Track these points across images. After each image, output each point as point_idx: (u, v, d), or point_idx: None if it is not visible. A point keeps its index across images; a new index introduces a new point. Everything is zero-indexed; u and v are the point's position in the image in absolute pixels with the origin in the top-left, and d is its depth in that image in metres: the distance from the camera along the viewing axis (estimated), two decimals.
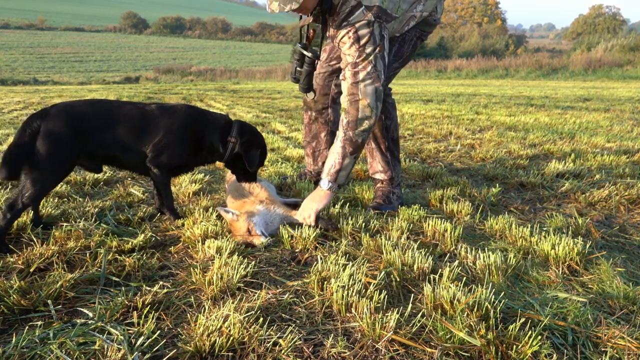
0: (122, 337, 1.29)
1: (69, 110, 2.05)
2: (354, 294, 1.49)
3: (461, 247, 1.95)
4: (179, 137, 2.25)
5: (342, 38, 2.13)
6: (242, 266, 1.70)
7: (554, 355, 1.23)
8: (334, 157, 2.22)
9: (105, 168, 2.60)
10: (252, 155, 2.36)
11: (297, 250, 1.97)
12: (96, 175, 3.16)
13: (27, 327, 1.37)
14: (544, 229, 2.18)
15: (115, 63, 50.97)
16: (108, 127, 2.12)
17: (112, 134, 2.12)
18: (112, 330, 1.33)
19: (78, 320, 1.40)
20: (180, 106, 2.33)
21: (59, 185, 2.88)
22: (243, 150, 2.34)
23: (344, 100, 2.17)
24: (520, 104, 9.10)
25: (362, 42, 2.08)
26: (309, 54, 2.33)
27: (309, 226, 2.10)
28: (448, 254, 1.91)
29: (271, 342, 1.28)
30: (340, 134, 2.20)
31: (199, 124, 2.33)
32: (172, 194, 2.39)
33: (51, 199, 2.58)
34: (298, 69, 2.45)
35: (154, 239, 2.07)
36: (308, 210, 2.19)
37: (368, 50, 2.09)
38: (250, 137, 2.37)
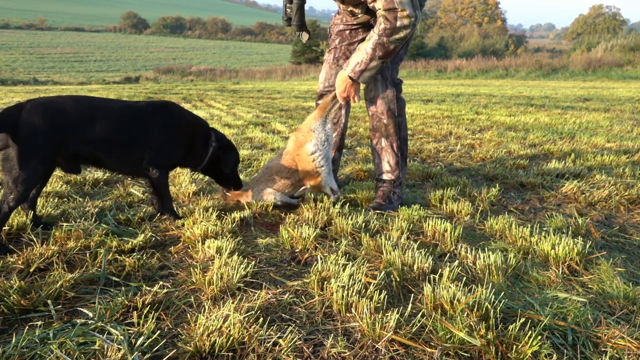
0: (122, 337, 1.29)
1: (47, 104, 1.95)
2: (354, 294, 1.49)
3: (461, 247, 1.95)
4: (176, 134, 2.24)
5: None
6: (242, 266, 1.70)
7: (554, 355, 1.23)
8: (361, 55, 2.17)
9: None
10: (229, 157, 2.47)
11: (297, 250, 1.97)
12: (96, 175, 3.16)
13: (27, 327, 1.37)
14: (544, 229, 2.18)
15: (115, 63, 50.98)
16: (90, 124, 2.02)
17: (95, 132, 2.02)
18: (112, 330, 1.33)
19: (78, 320, 1.40)
20: (172, 104, 2.33)
21: (59, 185, 2.89)
22: (222, 153, 2.44)
23: (380, 13, 2.10)
24: (520, 104, 9.10)
25: None
26: None
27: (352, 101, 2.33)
28: (448, 254, 1.91)
29: (271, 342, 1.28)
30: (374, 36, 2.14)
31: (192, 124, 2.36)
32: (171, 194, 2.39)
33: (51, 199, 2.58)
34: (288, 5, 2.37)
35: (154, 239, 2.07)
36: (345, 86, 2.24)
37: None
38: (226, 142, 2.49)
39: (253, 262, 1.78)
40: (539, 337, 1.24)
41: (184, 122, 2.30)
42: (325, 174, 2.44)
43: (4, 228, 1.99)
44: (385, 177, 2.60)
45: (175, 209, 2.38)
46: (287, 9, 2.40)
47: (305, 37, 2.49)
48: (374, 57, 2.15)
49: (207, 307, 1.46)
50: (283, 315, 1.45)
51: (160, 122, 2.19)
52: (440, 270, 1.68)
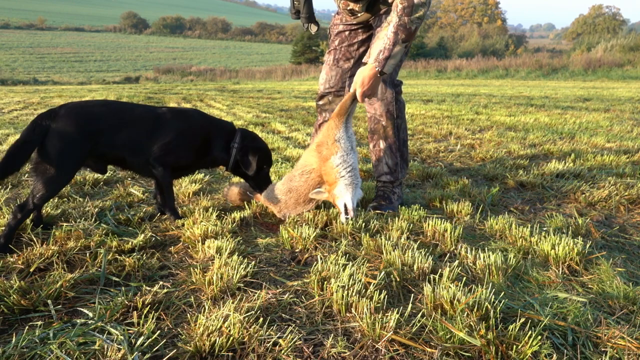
0: (122, 337, 1.29)
1: (79, 110, 2.05)
2: (354, 294, 1.49)
3: (461, 247, 1.95)
4: (187, 140, 2.30)
5: None
6: (242, 266, 1.70)
7: (554, 355, 1.23)
8: (383, 42, 2.10)
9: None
10: (247, 159, 2.42)
11: (297, 250, 1.97)
12: (96, 175, 3.16)
13: (27, 327, 1.37)
14: (544, 229, 2.18)
15: (115, 63, 51.01)
16: (119, 128, 2.13)
17: (122, 136, 2.14)
18: (112, 330, 1.33)
19: (78, 320, 1.40)
20: (192, 111, 2.42)
21: None
22: (240, 155, 2.41)
23: None
24: (520, 104, 9.10)
25: None
26: None
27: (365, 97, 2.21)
28: (448, 254, 1.91)
29: (271, 342, 1.28)
30: (393, 19, 2.08)
31: (207, 129, 2.40)
32: (174, 193, 2.40)
33: (51, 199, 2.58)
34: None
35: (154, 239, 2.07)
36: (369, 80, 2.13)
37: None
38: (248, 143, 2.44)
39: (253, 262, 1.78)
40: (539, 337, 1.24)
41: (196, 127, 2.36)
42: (342, 183, 2.20)
43: (3, 228, 1.99)
44: (384, 178, 2.59)
45: (176, 208, 2.38)
46: (295, 2, 2.39)
47: (314, 28, 2.49)
48: (397, 41, 2.08)
49: (207, 307, 1.46)
50: (283, 315, 1.45)
51: (175, 127, 2.26)
52: (440, 270, 1.68)
